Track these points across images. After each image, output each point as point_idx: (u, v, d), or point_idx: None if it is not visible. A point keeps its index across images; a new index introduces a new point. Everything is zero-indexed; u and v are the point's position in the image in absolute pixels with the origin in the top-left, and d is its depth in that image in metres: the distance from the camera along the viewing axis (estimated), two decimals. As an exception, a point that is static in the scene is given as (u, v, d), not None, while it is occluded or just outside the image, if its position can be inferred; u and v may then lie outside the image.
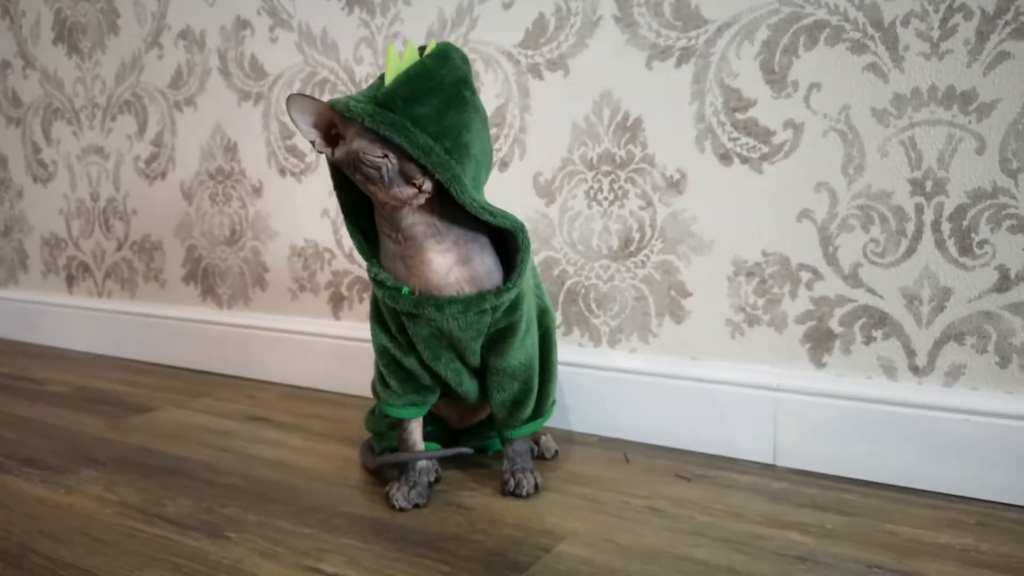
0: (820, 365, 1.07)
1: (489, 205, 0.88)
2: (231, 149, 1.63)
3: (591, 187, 1.21)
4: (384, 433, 1.06)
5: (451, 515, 0.93)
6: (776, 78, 1.06)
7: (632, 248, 1.19)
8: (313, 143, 0.88)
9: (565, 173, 1.23)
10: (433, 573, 0.79)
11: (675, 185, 1.15)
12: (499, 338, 0.95)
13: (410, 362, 0.97)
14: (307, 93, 0.83)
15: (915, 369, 1.01)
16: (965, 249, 0.96)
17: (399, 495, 0.96)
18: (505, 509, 0.95)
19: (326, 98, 1.45)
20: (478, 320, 0.91)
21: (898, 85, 0.98)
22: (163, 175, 1.75)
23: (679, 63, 1.12)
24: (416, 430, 1.00)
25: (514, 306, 0.93)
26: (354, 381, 1.47)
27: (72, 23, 1.86)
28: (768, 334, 1.10)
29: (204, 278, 1.72)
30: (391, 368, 0.98)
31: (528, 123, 1.26)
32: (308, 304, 1.56)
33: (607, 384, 1.21)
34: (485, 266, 0.91)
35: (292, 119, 0.86)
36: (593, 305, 1.23)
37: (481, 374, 1.00)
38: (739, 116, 1.09)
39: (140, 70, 1.75)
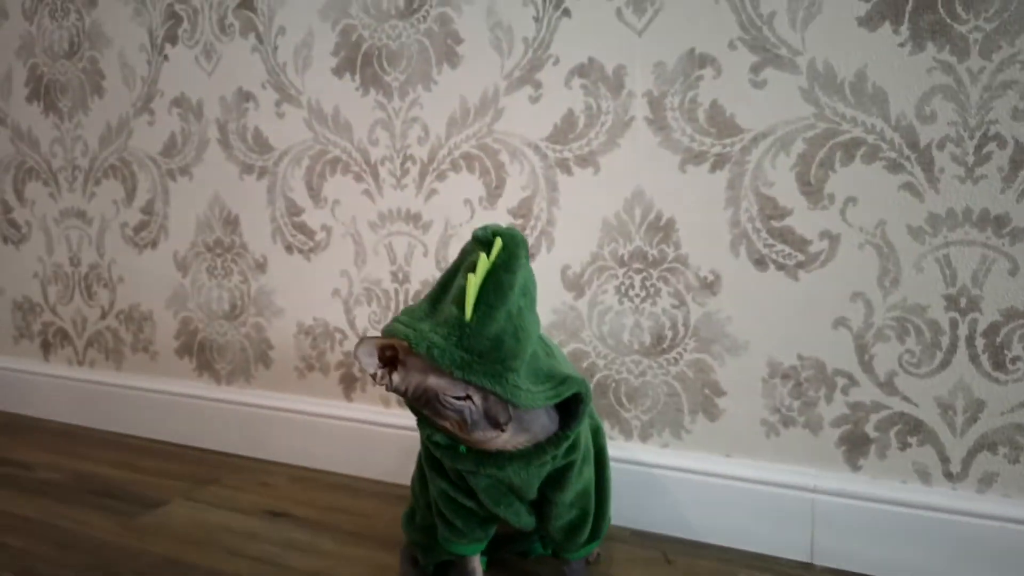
0: (856, 468, 1.10)
1: (555, 379, 0.87)
2: (232, 222, 1.59)
3: (622, 283, 1.23)
4: (430, 547, 1.04)
5: (515, 640, 0.93)
6: (812, 190, 1.09)
7: (665, 345, 1.21)
8: (374, 376, 0.86)
9: (595, 268, 1.24)
10: None
11: (709, 286, 1.17)
12: (558, 476, 0.94)
13: (471, 504, 0.95)
14: (374, 336, 0.84)
15: (949, 476, 1.05)
16: (998, 364, 1.01)
17: (456, 614, 0.95)
18: (567, 630, 0.95)
19: (337, 175, 1.44)
20: (540, 471, 0.91)
21: (933, 205, 1.02)
22: (154, 244, 1.69)
23: (713, 168, 1.15)
24: (479, 565, 1.00)
25: (573, 446, 0.92)
26: (369, 464, 1.45)
27: (49, 81, 1.78)
28: (803, 435, 1.13)
29: (200, 352, 1.66)
30: (453, 509, 0.96)
31: (556, 216, 1.27)
32: (317, 384, 1.53)
33: (639, 478, 1.22)
34: (540, 423, 0.89)
35: (358, 360, 0.84)
36: (624, 399, 1.25)
37: (538, 504, 0.98)
38: (775, 224, 1.12)
39: (128, 134, 1.68)
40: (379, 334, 0.85)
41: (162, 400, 1.69)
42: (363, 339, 0.83)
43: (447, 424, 0.84)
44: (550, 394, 0.85)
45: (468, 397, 0.81)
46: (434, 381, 0.82)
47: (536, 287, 0.88)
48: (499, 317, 0.81)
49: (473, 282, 0.82)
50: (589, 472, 0.97)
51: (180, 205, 1.65)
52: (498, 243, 0.84)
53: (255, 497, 1.39)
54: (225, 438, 1.61)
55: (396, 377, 0.85)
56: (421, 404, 0.84)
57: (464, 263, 0.87)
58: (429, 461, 0.97)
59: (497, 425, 0.82)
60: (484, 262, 0.83)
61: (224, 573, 1.11)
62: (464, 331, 0.81)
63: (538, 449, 0.88)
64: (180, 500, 1.37)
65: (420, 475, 1.04)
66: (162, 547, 1.19)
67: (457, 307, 0.82)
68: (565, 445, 0.89)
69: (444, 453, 0.90)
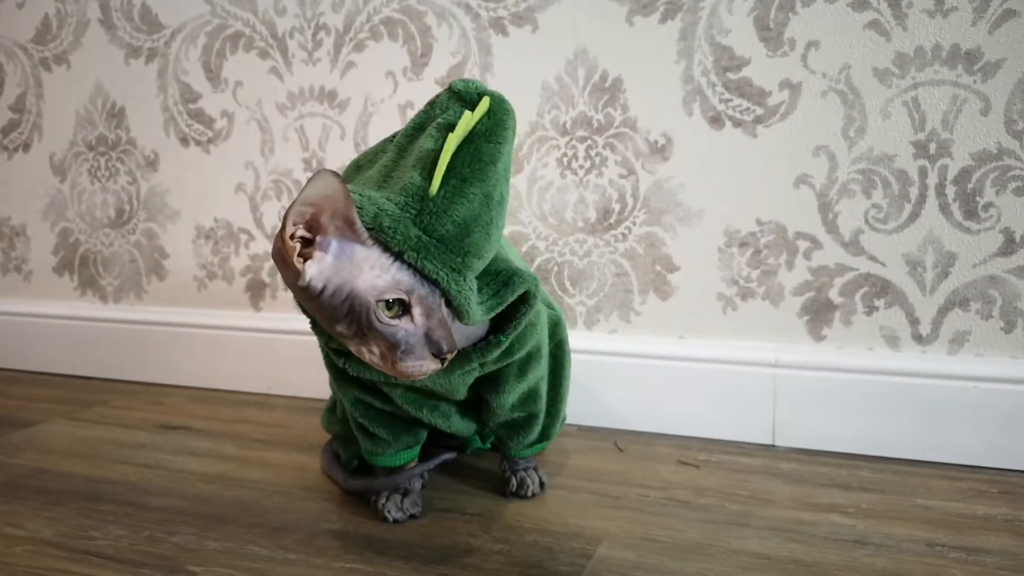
0: (819, 338, 1.02)
1: (500, 278, 0.70)
2: (117, 115, 1.39)
3: (564, 154, 1.11)
4: (349, 439, 0.89)
5: (457, 524, 0.80)
6: (771, 35, 1.00)
7: (612, 220, 1.10)
8: (292, 239, 0.63)
9: (534, 139, 1.12)
10: (469, 595, 0.66)
11: (660, 151, 1.06)
12: (494, 377, 0.79)
13: (391, 408, 0.80)
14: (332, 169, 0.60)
15: (918, 338, 0.98)
16: (970, 213, 0.94)
17: (391, 506, 0.81)
18: (516, 512, 0.83)
19: (239, 53, 1.27)
20: (465, 378, 0.76)
21: (901, 44, 0.95)
22: (26, 147, 1.47)
23: (664, 18, 1.04)
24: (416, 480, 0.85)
25: (509, 350, 0.75)
26: (283, 379, 1.29)
27: None
28: (763, 308, 1.04)
29: (82, 268, 1.46)
30: (371, 417, 0.81)
31: (490, 84, 1.14)
32: (220, 294, 1.35)
33: (585, 369, 1.10)
34: (470, 327, 0.72)
35: (294, 205, 0.61)
36: (568, 283, 1.13)
37: (474, 403, 0.83)
38: (731, 76, 1.02)
39: (-8, 21, 1.46)
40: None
41: (39, 326, 1.47)
42: (323, 171, 0.60)
43: (365, 349, 0.65)
44: (492, 302, 0.69)
45: (408, 311, 0.64)
46: (368, 279, 0.63)
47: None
48: (473, 197, 0.65)
49: (451, 143, 0.64)
50: (539, 371, 0.82)
51: (56, 99, 1.44)
52: (484, 104, 0.67)
53: (147, 415, 1.21)
54: (113, 363, 1.42)
55: (312, 267, 0.63)
56: (339, 314, 0.64)
57: (432, 119, 0.69)
58: (333, 370, 0.80)
59: (439, 352, 0.64)
60: (467, 120, 0.65)
61: (105, 479, 0.93)
62: (425, 206, 0.64)
63: (461, 357, 0.72)
64: (58, 420, 1.18)
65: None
66: (32, 459, 1.00)
67: (421, 173, 0.65)
68: (497, 352, 0.73)
69: (347, 362, 0.74)
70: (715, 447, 1.03)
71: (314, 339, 1.23)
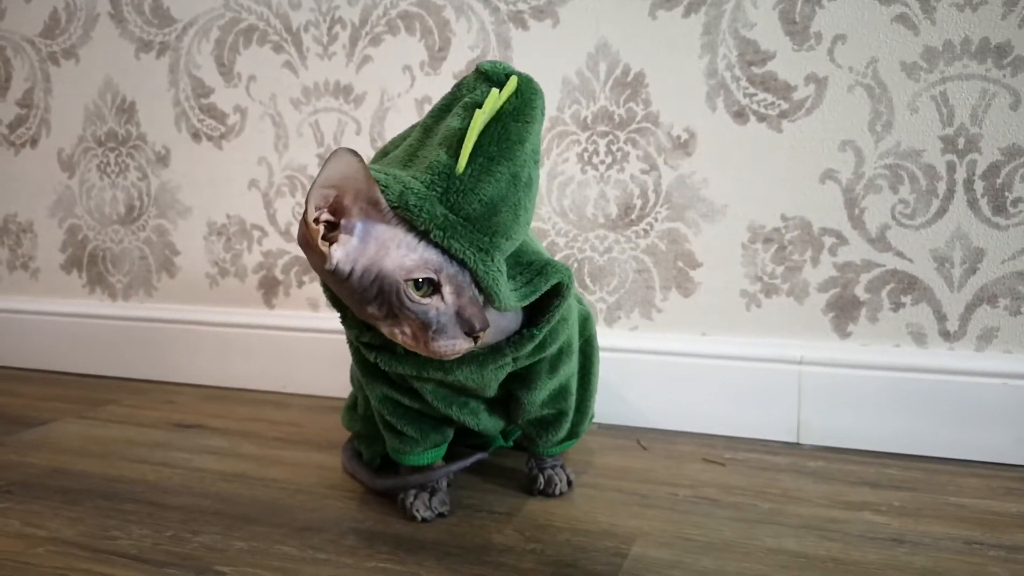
0: (845, 335, 1.01)
1: (533, 267, 0.70)
2: (127, 110, 1.37)
3: (585, 149, 1.10)
4: (372, 436, 0.88)
5: (487, 523, 0.79)
6: (797, 29, 0.99)
7: (633, 216, 1.08)
8: (316, 223, 0.62)
9: (555, 134, 1.11)
10: (507, 595, 0.65)
11: (683, 146, 1.05)
12: (525, 374, 0.77)
13: (420, 405, 0.78)
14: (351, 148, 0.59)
15: (946, 335, 0.97)
16: (998, 208, 0.93)
17: (419, 504, 0.79)
18: (546, 511, 0.81)
19: (253, 47, 1.25)
20: (497, 373, 0.74)
21: (929, 37, 0.94)
22: (33, 142, 1.45)
23: (687, 12, 1.03)
24: (443, 478, 0.83)
25: (542, 344, 0.74)
26: (297, 378, 1.27)
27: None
28: (787, 304, 1.03)
29: (91, 265, 1.44)
30: (399, 414, 0.79)
31: (509, 78, 1.12)
32: (232, 292, 1.33)
33: (606, 366, 1.09)
34: (504, 319, 0.72)
35: (314, 187, 0.60)
36: (588, 280, 1.12)
37: (503, 401, 0.82)
38: (755, 70, 1.01)
39: (0, 14, 1.44)
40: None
41: (47, 324, 1.45)
42: (341, 149, 0.59)
43: (397, 331, 0.65)
44: (526, 291, 0.69)
45: (437, 289, 0.63)
46: (396, 259, 0.62)
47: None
48: (500, 176, 0.63)
49: (478, 121, 0.63)
50: (570, 368, 0.81)
51: (64, 94, 1.42)
52: (512, 83, 0.65)
53: (161, 414, 1.19)
54: (123, 361, 1.40)
55: (338, 251, 0.63)
56: (369, 296, 0.63)
57: (459, 99, 0.68)
58: (363, 365, 0.78)
59: (472, 331, 0.63)
60: (495, 98, 0.64)
61: (123, 479, 0.92)
62: (452, 184, 0.63)
63: (495, 351, 0.71)
64: (69, 419, 1.16)
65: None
66: (46, 459, 0.99)
67: (447, 152, 0.64)
68: (530, 346, 0.72)
69: (379, 356, 0.72)
70: (740, 445, 1.02)
71: (328, 337, 1.23)
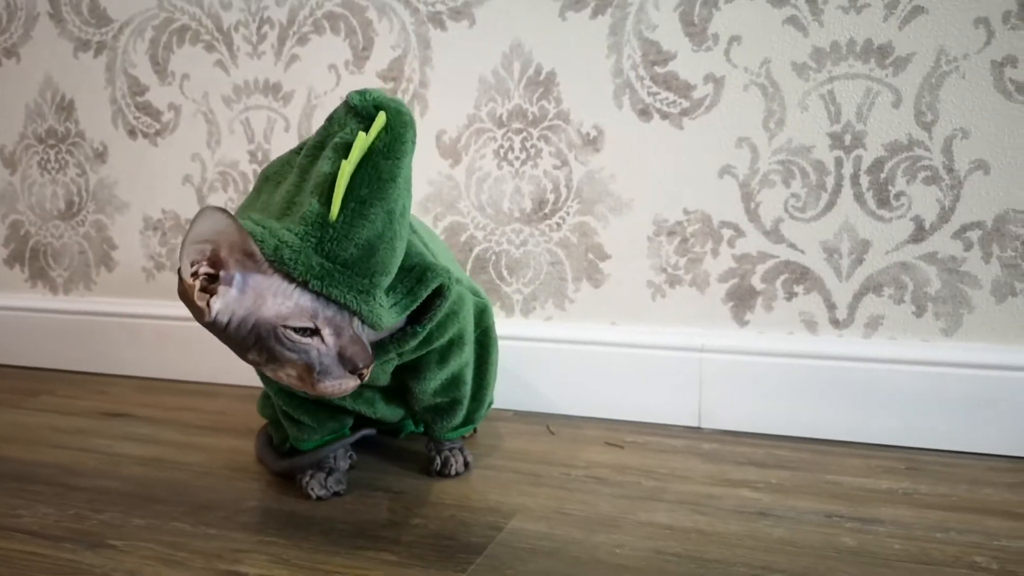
0: (743, 323, 1.06)
1: (413, 274, 0.72)
2: (66, 107, 1.40)
3: (501, 146, 1.14)
4: (280, 423, 0.91)
5: (380, 501, 0.82)
6: (696, 30, 1.03)
7: (547, 210, 1.12)
8: (194, 278, 0.64)
9: (472, 131, 1.15)
10: (379, 564, 0.68)
11: (592, 143, 1.09)
12: (414, 366, 0.81)
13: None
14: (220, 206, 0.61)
15: (836, 322, 1.02)
16: (883, 201, 0.98)
17: (315, 483, 0.83)
18: (439, 490, 0.85)
19: (186, 46, 1.28)
20: (384, 367, 0.78)
21: (817, 38, 0.98)
22: (-24, 139, 1.48)
23: (595, 14, 1.07)
24: (342, 454, 0.87)
25: (428, 339, 0.78)
26: (232, 369, 1.30)
27: None
28: (690, 294, 1.07)
29: (33, 259, 1.47)
30: (295, 404, 0.83)
31: (429, 77, 1.16)
32: (168, 285, 1.37)
33: (521, 356, 1.13)
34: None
35: (186, 244, 0.63)
36: (505, 272, 1.16)
37: (398, 390, 0.86)
38: (658, 70, 1.05)
39: (-58, 13, 1.47)
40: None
41: (-12, 317, 1.48)
42: (208, 208, 0.61)
43: (282, 374, 0.67)
44: (407, 301, 0.72)
45: (316, 332, 0.65)
46: (272, 308, 0.64)
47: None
48: (374, 218, 0.65)
49: (346, 170, 0.64)
50: (462, 359, 0.84)
51: (5, 92, 1.44)
52: (380, 119, 0.66)
53: (91, 403, 1.22)
54: (62, 353, 1.43)
55: (216, 302, 0.65)
56: (249, 344, 0.66)
57: (330, 138, 0.69)
58: None
59: (355, 370, 0.66)
60: (361, 143, 0.65)
61: (40, 463, 0.95)
62: (326, 233, 0.64)
63: (379, 347, 0.74)
64: (2, 409, 1.19)
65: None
66: (-32, 445, 1.02)
67: (319, 200, 0.65)
68: (414, 343, 0.76)
69: None
70: (644, 429, 1.06)
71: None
